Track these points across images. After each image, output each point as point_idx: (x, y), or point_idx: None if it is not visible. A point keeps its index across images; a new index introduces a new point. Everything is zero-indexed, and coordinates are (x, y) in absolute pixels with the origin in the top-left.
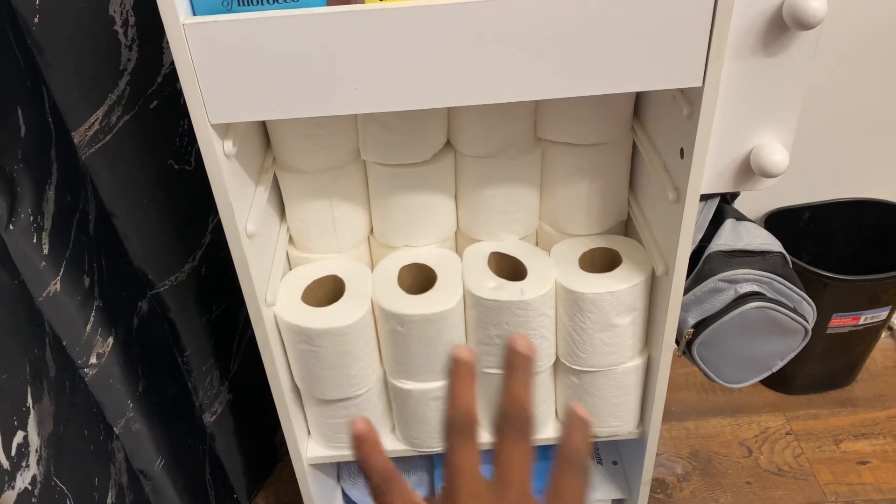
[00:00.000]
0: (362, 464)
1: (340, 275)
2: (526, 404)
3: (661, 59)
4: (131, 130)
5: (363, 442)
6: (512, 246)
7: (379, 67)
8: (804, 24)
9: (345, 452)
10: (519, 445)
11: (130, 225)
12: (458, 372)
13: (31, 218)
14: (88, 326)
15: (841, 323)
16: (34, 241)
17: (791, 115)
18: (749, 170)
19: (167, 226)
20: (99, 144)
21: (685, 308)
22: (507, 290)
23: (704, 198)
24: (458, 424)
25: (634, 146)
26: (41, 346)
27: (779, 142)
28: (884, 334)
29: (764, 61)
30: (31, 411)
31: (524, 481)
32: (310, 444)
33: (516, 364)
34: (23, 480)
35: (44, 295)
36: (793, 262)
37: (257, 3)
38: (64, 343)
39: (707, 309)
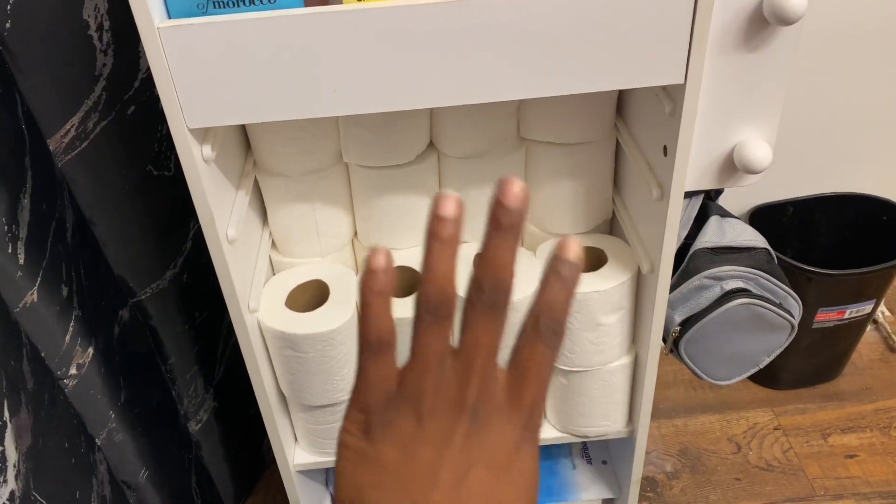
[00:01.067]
0: (365, 311)
1: (324, 279)
2: (506, 273)
3: (643, 56)
4: (109, 136)
5: (377, 281)
6: None
7: (358, 69)
8: (785, 20)
9: (333, 458)
10: (489, 320)
11: (109, 232)
12: (439, 234)
13: (6, 227)
14: (67, 337)
15: (826, 317)
16: (9, 250)
17: (774, 110)
18: (732, 166)
19: (147, 232)
20: (75, 151)
21: (671, 306)
22: None
23: (689, 195)
24: (432, 305)
25: (618, 144)
26: (18, 358)
27: (762, 138)
28: (869, 327)
29: (745, 57)
30: (8, 425)
31: (489, 363)
32: (297, 451)
33: (502, 220)
34: (0, 496)
35: (20, 306)
36: (778, 258)
37: (233, 5)
38: (42, 354)
39: (693, 306)
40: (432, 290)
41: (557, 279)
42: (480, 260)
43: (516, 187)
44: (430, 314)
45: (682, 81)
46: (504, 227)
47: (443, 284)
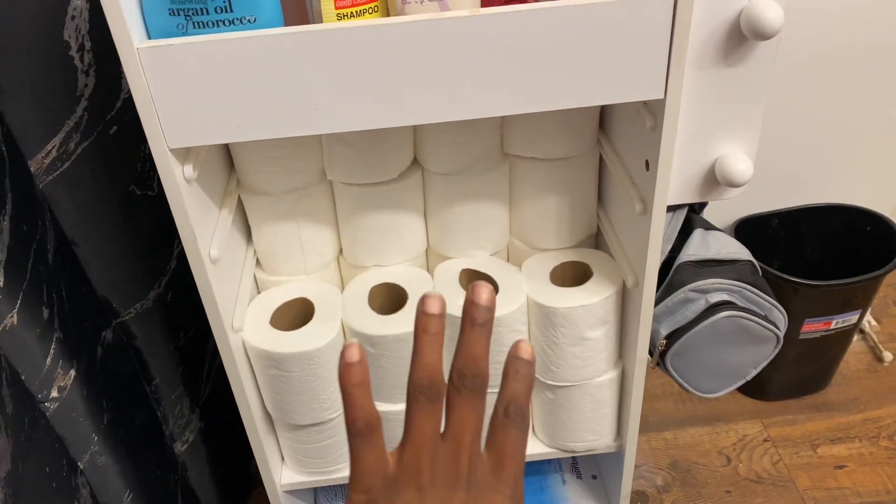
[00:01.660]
0: (348, 401)
1: (310, 297)
2: (482, 362)
3: (623, 72)
4: (91, 157)
5: (354, 374)
6: (483, 262)
7: (340, 87)
8: (762, 34)
9: (320, 478)
10: (472, 403)
11: (92, 253)
12: (426, 328)
13: None
14: (48, 359)
15: (813, 328)
16: None
17: (754, 124)
18: (714, 180)
19: (130, 252)
20: (57, 172)
21: (657, 319)
22: None
23: (672, 208)
24: (424, 388)
25: (601, 159)
26: None
27: (743, 151)
28: (855, 337)
29: (725, 72)
30: None
31: (475, 439)
32: (284, 471)
33: (476, 318)
34: None
35: (0, 329)
36: (763, 269)
37: (213, 25)
38: (23, 377)
39: (679, 319)
40: (423, 376)
41: (517, 375)
42: (460, 352)
43: (486, 290)
44: (424, 396)
45: (663, 96)
46: (478, 323)
47: (432, 371)
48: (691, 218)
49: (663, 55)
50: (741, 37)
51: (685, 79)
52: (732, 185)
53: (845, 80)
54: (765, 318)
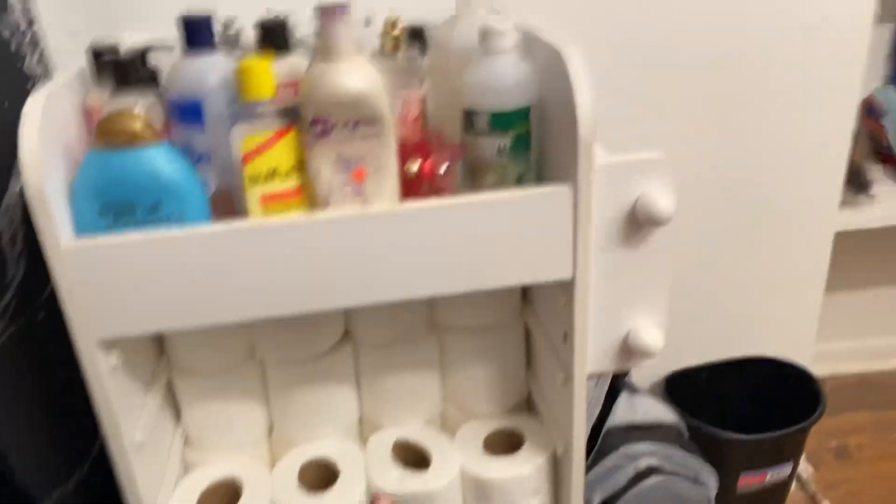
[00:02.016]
0: None
1: (238, 477)
2: None
3: (533, 256)
4: (17, 343)
5: None
6: (416, 432)
7: (266, 276)
8: (655, 222)
9: None
10: None
11: (13, 439)
12: None
13: None
14: None
15: (749, 482)
16: None
17: (660, 297)
18: (629, 349)
19: (53, 436)
20: None
21: (590, 486)
22: (411, 481)
23: (597, 374)
24: None
25: (528, 327)
26: None
27: (653, 322)
28: (793, 487)
29: (628, 253)
30: None
31: None
32: None
33: None
34: None
35: None
36: (695, 425)
37: (139, 223)
38: None
39: (610, 486)
40: None
41: None
42: None
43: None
44: None
45: (570, 277)
46: None
47: None
48: (617, 382)
49: (568, 241)
50: (639, 222)
51: (592, 260)
52: (644, 355)
53: (752, 239)
54: (695, 479)
